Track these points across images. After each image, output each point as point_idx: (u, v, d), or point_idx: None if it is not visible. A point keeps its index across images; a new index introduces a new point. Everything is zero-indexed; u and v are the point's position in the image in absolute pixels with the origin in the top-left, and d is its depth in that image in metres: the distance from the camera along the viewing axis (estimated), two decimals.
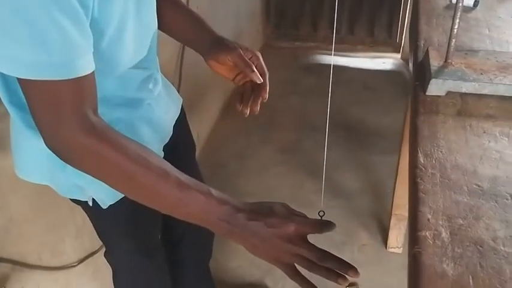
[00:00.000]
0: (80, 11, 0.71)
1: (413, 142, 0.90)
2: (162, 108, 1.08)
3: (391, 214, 2.00)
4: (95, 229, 1.19)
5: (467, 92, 1.01)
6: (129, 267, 1.25)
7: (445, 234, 0.70)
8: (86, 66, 0.73)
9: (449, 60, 1.06)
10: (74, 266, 1.56)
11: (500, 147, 0.89)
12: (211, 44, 1.03)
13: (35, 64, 0.69)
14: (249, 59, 1.00)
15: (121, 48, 0.87)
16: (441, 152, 0.87)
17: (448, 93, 1.02)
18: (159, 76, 1.08)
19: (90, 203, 1.03)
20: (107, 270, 1.74)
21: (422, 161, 0.84)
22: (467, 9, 1.42)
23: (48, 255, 1.45)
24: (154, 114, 1.04)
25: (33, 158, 0.97)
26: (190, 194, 0.75)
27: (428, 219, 0.72)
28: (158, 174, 0.75)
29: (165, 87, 1.11)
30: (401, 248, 2.06)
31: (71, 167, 0.85)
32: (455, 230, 0.71)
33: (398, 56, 3.52)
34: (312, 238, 0.76)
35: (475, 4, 1.42)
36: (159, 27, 1.02)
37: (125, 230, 1.12)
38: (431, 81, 1.01)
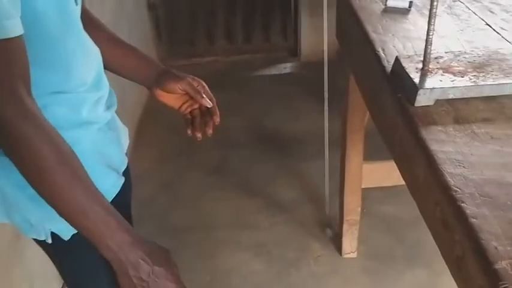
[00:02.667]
0: None
1: (430, 161, 0.85)
2: (118, 133, 1.07)
3: (341, 221, 1.98)
4: (61, 272, 1.05)
5: (454, 97, 0.99)
6: None
7: None
8: (14, 27, 0.70)
9: (426, 67, 1.03)
10: None
11: None
12: (159, 75, 1.06)
13: None
14: (196, 87, 1.05)
15: (70, 46, 0.84)
16: (464, 167, 0.83)
17: (436, 101, 0.99)
18: (114, 100, 1.03)
19: (49, 240, 0.92)
20: None
21: (453, 182, 0.79)
22: (404, 11, 1.42)
23: None
24: (113, 138, 1.02)
25: None
26: (94, 206, 0.75)
27: (496, 247, 0.67)
28: (73, 174, 0.75)
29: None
30: (356, 252, 2.05)
31: (24, 203, 0.86)
32: None
33: (296, 58, 3.55)
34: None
35: (410, 5, 1.43)
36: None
37: (95, 264, 0.96)
38: (419, 92, 0.97)
